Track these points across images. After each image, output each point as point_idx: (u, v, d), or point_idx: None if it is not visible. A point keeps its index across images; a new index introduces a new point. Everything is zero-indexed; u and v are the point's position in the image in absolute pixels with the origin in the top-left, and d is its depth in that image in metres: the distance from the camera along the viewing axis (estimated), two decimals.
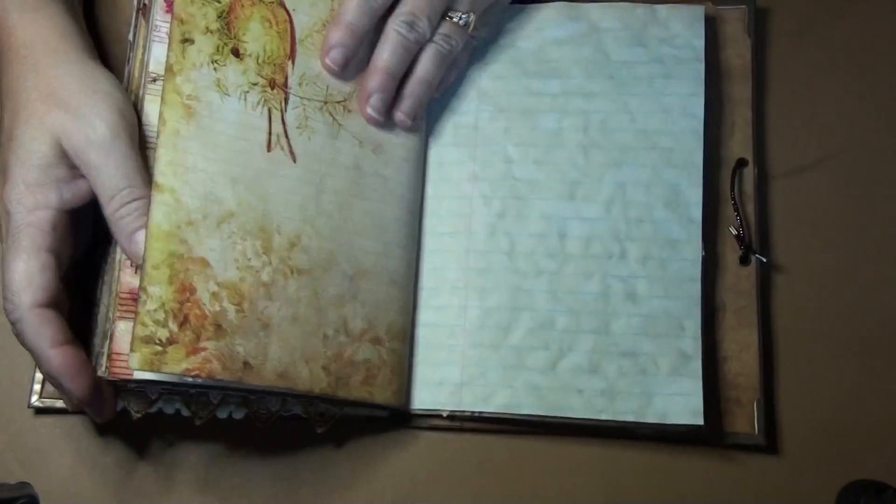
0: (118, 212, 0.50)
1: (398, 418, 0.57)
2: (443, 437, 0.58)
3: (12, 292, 0.48)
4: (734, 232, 0.60)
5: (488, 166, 0.59)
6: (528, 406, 0.56)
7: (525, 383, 0.56)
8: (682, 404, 0.55)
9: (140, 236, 0.50)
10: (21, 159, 0.49)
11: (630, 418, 0.55)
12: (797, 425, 0.58)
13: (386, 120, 0.58)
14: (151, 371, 0.50)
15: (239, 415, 0.55)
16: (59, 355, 0.49)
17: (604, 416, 0.55)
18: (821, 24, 0.65)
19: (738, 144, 0.62)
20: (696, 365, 0.56)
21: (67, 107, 0.50)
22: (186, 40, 0.54)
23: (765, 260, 0.59)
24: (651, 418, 0.55)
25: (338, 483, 0.57)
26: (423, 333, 0.58)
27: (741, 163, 0.61)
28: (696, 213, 0.58)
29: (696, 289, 0.57)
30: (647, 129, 0.59)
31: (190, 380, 0.51)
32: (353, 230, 0.56)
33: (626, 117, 0.59)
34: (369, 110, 0.57)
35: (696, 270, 0.57)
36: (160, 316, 0.50)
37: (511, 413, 0.56)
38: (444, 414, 0.56)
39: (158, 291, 0.50)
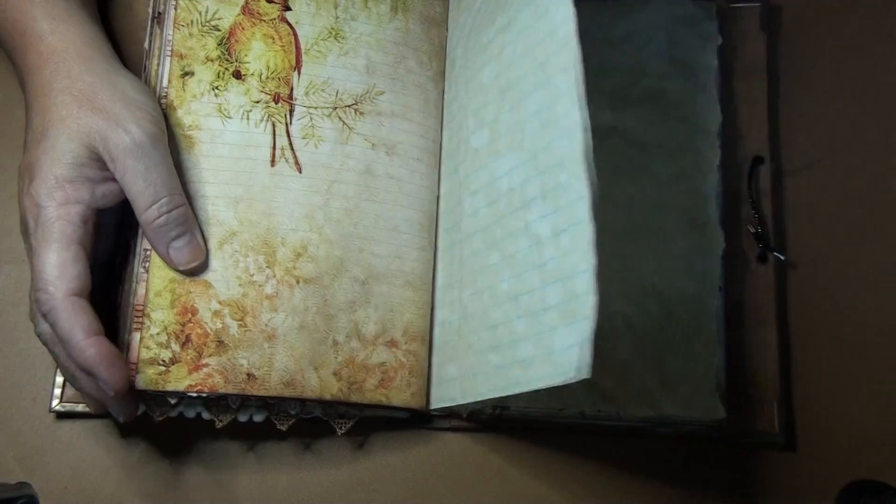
0: (157, 220, 0.51)
1: (418, 419, 0.57)
2: (462, 437, 0.58)
3: (45, 282, 0.48)
4: (752, 230, 0.60)
5: (460, 147, 0.57)
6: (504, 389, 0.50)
7: (496, 367, 0.52)
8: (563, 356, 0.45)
9: (179, 243, 0.52)
10: (53, 157, 0.50)
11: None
12: (816, 423, 0.58)
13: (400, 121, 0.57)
14: (156, 390, 0.51)
15: (259, 417, 0.55)
16: (94, 344, 0.48)
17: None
18: (834, 19, 0.65)
19: (754, 142, 0.62)
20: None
21: (105, 112, 0.50)
22: (186, 73, 0.55)
23: (783, 258, 0.60)
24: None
25: (358, 483, 0.57)
26: (438, 333, 0.58)
27: (757, 160, 0.61)
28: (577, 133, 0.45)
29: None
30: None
31: (194, 394, 0.52)
32: (364, 235, 0.56)
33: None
34: None
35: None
36: (163, 338, 0.52)
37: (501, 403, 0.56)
38: (464, 414, 0.56)
39: (161, 316, 0.52)
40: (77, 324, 0.48)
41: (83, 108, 0.50)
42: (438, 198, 0.59)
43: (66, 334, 0.48)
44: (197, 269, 0.53)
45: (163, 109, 0.54)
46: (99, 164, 0.50)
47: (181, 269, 0.52)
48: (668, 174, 0.59)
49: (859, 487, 0.52)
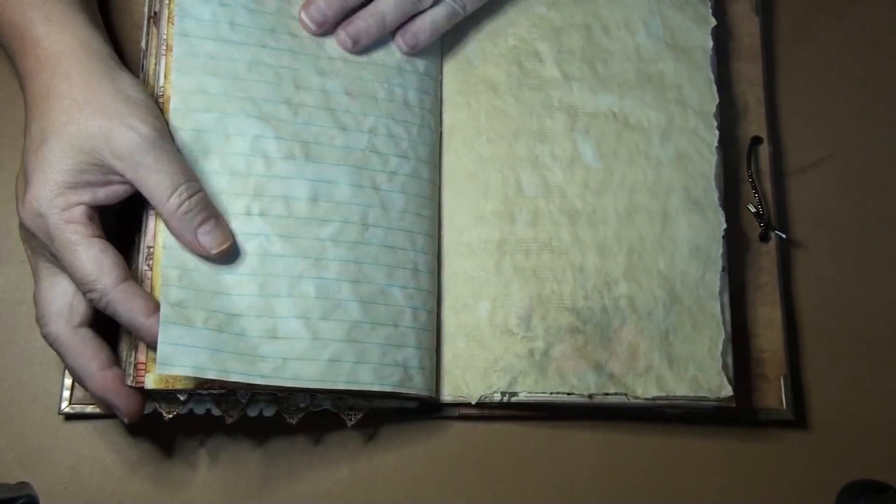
0: (181, 208, 0.51)
1: (428, 408, 0.57)
2: (472, 425, 0.58)
3: (92, 281, 0.49)
4: (753, 209, 0.60)
5: None
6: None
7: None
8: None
9: (207, 228, 0.51)
10: (52, 163, 0.49)
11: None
12: (822, 399, 0.59)
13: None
14: (167, 388, 0.51)
15: (269, 412, 0.55)
16: (157, 322, 0.49)
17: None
18: (830, 10, 0.65)
19: (752, 123, 0.62)
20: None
21: (107, 114, 0.50)
22: None
23: (784, 236, 0.60)
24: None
25: (370, 475, 0.57)
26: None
27: (756, 141, 0.62)
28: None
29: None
30: None
31: (204, 392, 0.52)
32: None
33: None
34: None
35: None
36: None
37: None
38: (473, 402, 0.56)
39: None
40: (134, 308, 0.49)
41: (84, 111, 0.50)
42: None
43: (129, 321, 0.49)
44: (226, 255, 0.52)
45: (160, 106, 0.54)
46: (101, 169, 0.50)
47: (213, 253, 0.51)
48: (667, 156, 0.59)
49: (860, 487, 0.52)
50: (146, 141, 0.50)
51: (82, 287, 0.49)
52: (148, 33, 0.57)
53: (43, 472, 0.56)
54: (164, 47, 0.55)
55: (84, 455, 0.57)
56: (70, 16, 0.53)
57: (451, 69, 0.61)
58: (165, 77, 0.54)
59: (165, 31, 0.55)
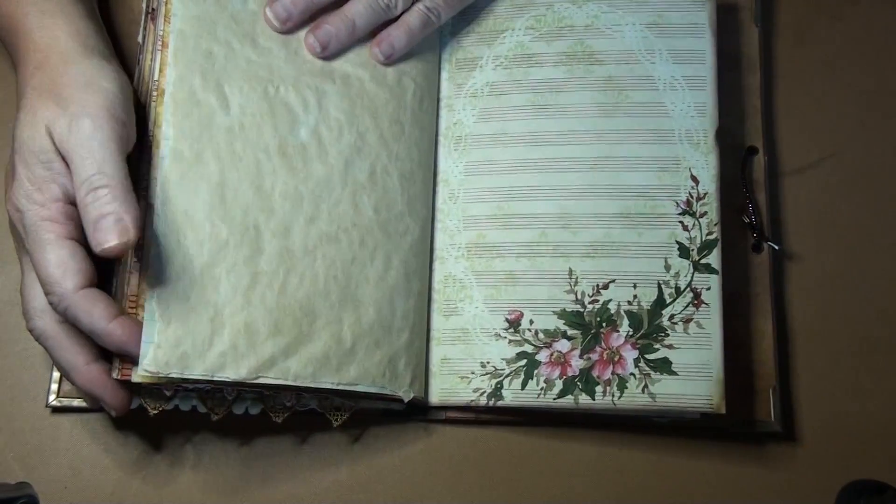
0: (85, 198, 0.49)
1: (415, 411, 0.57)
2: (458, 429, 0.58)
3: (53, 283, 0.48)
4: (746, 219, 0.60)
5: None
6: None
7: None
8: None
9: (104, 223, 0.48)
10: (23, 157, 0.50)
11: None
12: (813, 412, 0.58)
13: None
14: (152, 383, 0.51)
15: (255, 410, 0.55)
16: (119, 326, 0.48)
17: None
18: (830, 11, 0.65)
19: (748, 133, 0.62)
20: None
21: (58, 99, 0.50)
22: None
23: (777, 247, 0.59)
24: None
25: (355, 476, 0.57)
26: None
27: (751, 151, 0.61)
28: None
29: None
30: None
31: (190, 387, 0.52)
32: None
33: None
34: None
35: None
36: None
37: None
38: (460, 405, 0.56)
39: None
40: (95, 313, 0.48)
41: (41, 98, 0.50)
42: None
43: (90, 327, 0.49)
44: (116, 252, 0.48)
45: (153, 100, 0.54)
46: (61, 157, 0.50)
47: (97, 250, 0.48)
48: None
49: (860, 487, 0.51)
50: (78, 130, 0.49)
51: (44, 288, 0.49)
52: (145, 28, 0.57)
53: (43, 472, 0.56)
54: (160, 42, 0.55)
55: (84, 455, 0.57)
56: (63, 8, 0.53)
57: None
58: (160, 71, 0.55)
59: (162, 27, 0.55)
